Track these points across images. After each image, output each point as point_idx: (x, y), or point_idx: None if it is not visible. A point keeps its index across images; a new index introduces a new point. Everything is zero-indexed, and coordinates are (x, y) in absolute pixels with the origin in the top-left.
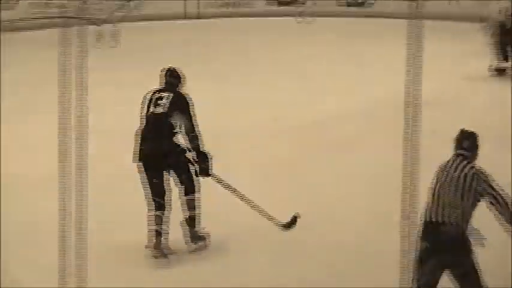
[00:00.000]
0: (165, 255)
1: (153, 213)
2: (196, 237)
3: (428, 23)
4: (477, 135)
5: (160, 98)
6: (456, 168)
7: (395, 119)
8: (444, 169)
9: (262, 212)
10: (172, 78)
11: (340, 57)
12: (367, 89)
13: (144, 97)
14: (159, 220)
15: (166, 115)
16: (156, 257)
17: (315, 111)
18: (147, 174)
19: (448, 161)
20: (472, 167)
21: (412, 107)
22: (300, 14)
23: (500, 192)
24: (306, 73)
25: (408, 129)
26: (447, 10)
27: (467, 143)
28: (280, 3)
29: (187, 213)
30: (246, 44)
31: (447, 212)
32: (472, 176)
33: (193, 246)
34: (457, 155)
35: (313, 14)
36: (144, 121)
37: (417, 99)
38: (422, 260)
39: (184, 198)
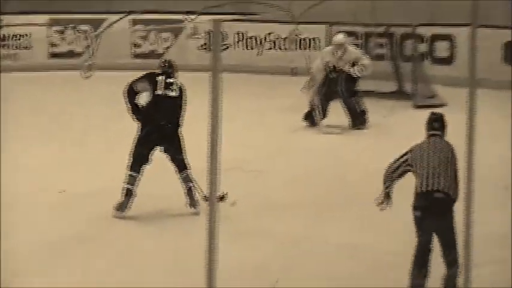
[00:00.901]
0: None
1: (131, 173)
2: (194, 204)
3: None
4: (444, 116)
5: (171, 84)
6: (435, 144)
7: None
8: (422, 147)
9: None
10: (170, 68)
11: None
12: None
13: (145, 76)
14: (132, 180)
15: (177, 99)
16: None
17: None
18: (145, 139)
19: (424, 142)
20: (449, 143)
21: None
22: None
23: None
24: None
25: None
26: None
27: (437, 124)
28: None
29: (187, 186)
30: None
31: (437, 181)
32: (451, 151)
33: (193, 210)
34: (431, 135)
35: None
36: (152, 99)
37: None
38: (417, 227)
39: (181, 174)
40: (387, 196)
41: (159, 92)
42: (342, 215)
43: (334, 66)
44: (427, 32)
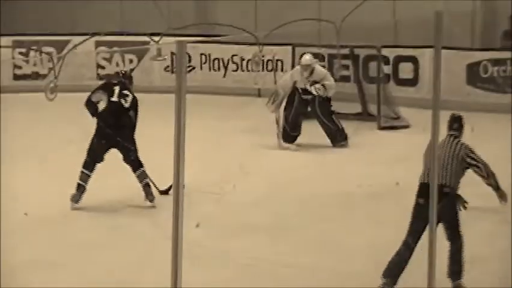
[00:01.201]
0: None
1: (84, 170)
2: (151, 196)
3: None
4: (462, 117)
5: (126, 95)
6: (450, 143)
7: None
8: (441, 145)
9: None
10: (126, 78)
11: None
12: None
13: (101, 87)
14: (85, 177)
15: (128, 110)
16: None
17: None
18: (100, 141)
19: (443, 140)
20: (462, 143)
21: None
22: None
23: (483, 161)
24: None
25: None
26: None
27: (456, 125)
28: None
29: (143, 182)
30: None
31: (443, 175)
32: (463, 149)
33: (150, 203)
34: (450, 135)
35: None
36: (107, 105)
37: None
38: (414, 215)
39: (137, 172)
40: None
41: (114, 99)
42: (302, 236)
43: (305, 88)
44: (391, 53)
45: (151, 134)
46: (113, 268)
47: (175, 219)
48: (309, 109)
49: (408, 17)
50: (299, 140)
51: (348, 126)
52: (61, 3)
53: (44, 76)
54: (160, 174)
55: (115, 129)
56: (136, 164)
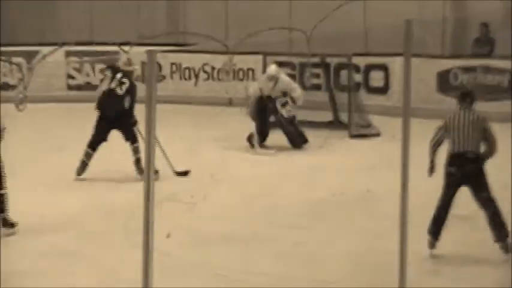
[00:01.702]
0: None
1: (87, 149)
2: (141, 171)
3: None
4: (473, 91)
5: (123, 83)
6: (468, 115)
7: None
8: (455, 117)
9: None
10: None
11: None
12: None
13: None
14: (88, 156)
15: (123, 96)
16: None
17: None
18: (101, 123)
19: (456, 112)
20: (479, 114)
21: None
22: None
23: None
24: None
25: None
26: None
27: (468, 99)
28: None
29: (136, 156)
30: None
31: (467, 144)
32: (481, 120)
33: (140, 177)
34: (463, 108)
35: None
36: (107, 91)
37: None
38: (447, 183)
39: (131, 146)
40: (433, 166)
41: (113, 85)
42: (274, 245)
43: (270, 96)
44: (362, 61)
45: (121, 144)
46: (84, 277)
47: (145, 229)
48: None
49: (379, 25)
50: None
51: (319, 135)
52: (30, 13)
53: (14, 87)
54: (129, 186)
55: (113, 113)
56: (134, 138)
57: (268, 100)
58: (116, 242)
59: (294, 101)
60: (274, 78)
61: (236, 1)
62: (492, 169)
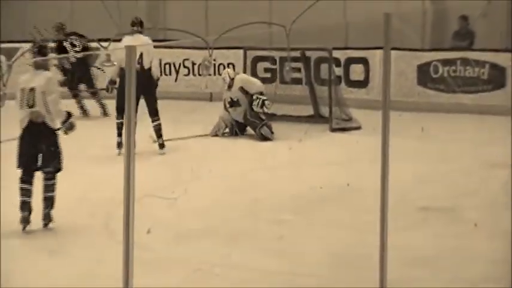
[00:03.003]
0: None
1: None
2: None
3: None
4: None
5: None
6: None
7: None
8: None
9: None
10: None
11: None
12: None
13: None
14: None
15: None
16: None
17: None
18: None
19: None
20: None
21: None
22: None
23: None
24: None
25: None
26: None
27: None
28: None
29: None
30: None
31: None
32: None
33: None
34: None
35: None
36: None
37: None
38: None
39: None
40: None
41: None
42: (255, 239)
43: (231, 98)
44: (342, 55)
45: (99, 141)
46: (64, 274)
47: (126, 224)
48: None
49: (358, 18)
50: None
51: (299, 129)
52: (9, 10)
53: None
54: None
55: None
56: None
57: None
58: (97, 238)
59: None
60: (227, 80)
61: None
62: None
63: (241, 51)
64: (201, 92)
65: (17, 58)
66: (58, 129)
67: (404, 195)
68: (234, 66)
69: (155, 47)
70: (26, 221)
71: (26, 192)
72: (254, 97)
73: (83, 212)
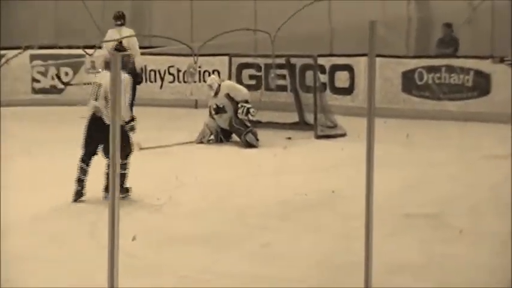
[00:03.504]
0: None
1: None
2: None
3: None
4: None
5: None
6: None
7: None
8: None
9: None
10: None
11: None
12: None
13: None
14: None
15: None
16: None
17: None
18: None
19: None
20: None
21: None
22: None
23: None
24: None
25: None
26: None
27: None
28: None
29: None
30: None
31: None
32: None
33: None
34: None
35: None
36: None
37: None
38: None
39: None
40: None
41: None
42: (241, 246)
43: (217, 105)
44: (327, 62)
45: None
46: (50, 280)
47: (111, 230)
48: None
49: (343, 26)
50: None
51: (284, 136)
52: None
53: None
54: (94, 188)
55: None
56: None
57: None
58: (83, 244)
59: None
60: (213, 87)
61: (201, 2)
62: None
63: (226, 58)
64: (186, 99)
65: (1, 65)
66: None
67: (389, 202)
68: (219, 73)
69: (141, 53)
70: (79, 195)
71: (82, 171)
72: (239, 105)
73: (69, 217)
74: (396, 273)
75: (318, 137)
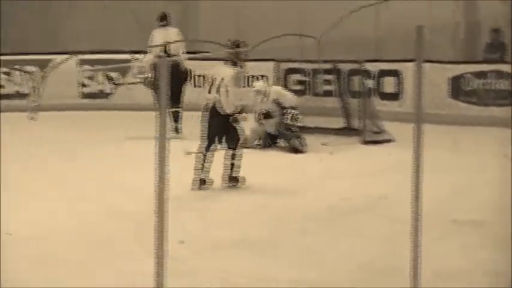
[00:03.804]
0: None
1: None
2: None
3: None
4: None
5: None
6: None
7: None
8: None
9: None
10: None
11: None
12: None
13: None
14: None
15: None
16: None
17: None
18: None
19: None
20: None
21: None
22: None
23: None
24: None
25: None
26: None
27: None
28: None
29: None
30: None
31: None
32: None
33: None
34: None
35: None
36: None
37: None
38: None
39: None
40: None
41: None
42: (284, 250)
43: (265, 110)
44: (374, 67)
45: (134, 151)
46: (96, 284)
47: (159, 235)
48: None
49: (390, 31)
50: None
51: (331, 141)
52: (42, 21)
53: (27, 95)
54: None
55: None
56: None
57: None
58: (129, 249)
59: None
60: (261, 93)
61: (247, 8)
62: None
63: (272, 63)
64: None
65: (51, 70)
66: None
67: (436, 207)
68: (267, 78)
69: (188, 59)
70: (202, 182)
71: (203, 159)
72: (286, 111)
73: (115, 222)
74: (442, 278)
75: (365, 142)
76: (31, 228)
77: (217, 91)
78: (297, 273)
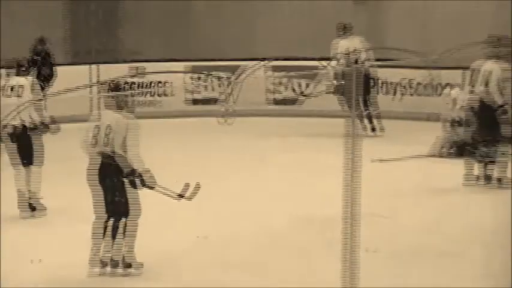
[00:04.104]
0: None
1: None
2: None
3: None
4: None
5: None
6: None
7: None
8: None
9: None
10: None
11: None
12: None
13: None
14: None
15: None
16: None
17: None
18: None
19: None
20: None
21: None
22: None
23: None
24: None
25: None
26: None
27: None
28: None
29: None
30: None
31: None
32: None
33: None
34: None
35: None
36: None
37: None
38: None
39: None
40: None
41: None
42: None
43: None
44: None
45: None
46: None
47: (346, 241)
48: None
49: None
50: None
51: None
52: (230, 30)
53: (217, 101)
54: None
55: None
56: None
57: None
58: (316, 253)
59: None
60: (456, 101)
61: (435, 13)
62: None
63: (460, 71)
64: (417, 112)
65: (246, 76)
66: None
67: None
68: (451, 86)
69: (379, 66)
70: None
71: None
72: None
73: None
74: None
75: None
76: (223, 231)
77: (486, 85)
78: None
